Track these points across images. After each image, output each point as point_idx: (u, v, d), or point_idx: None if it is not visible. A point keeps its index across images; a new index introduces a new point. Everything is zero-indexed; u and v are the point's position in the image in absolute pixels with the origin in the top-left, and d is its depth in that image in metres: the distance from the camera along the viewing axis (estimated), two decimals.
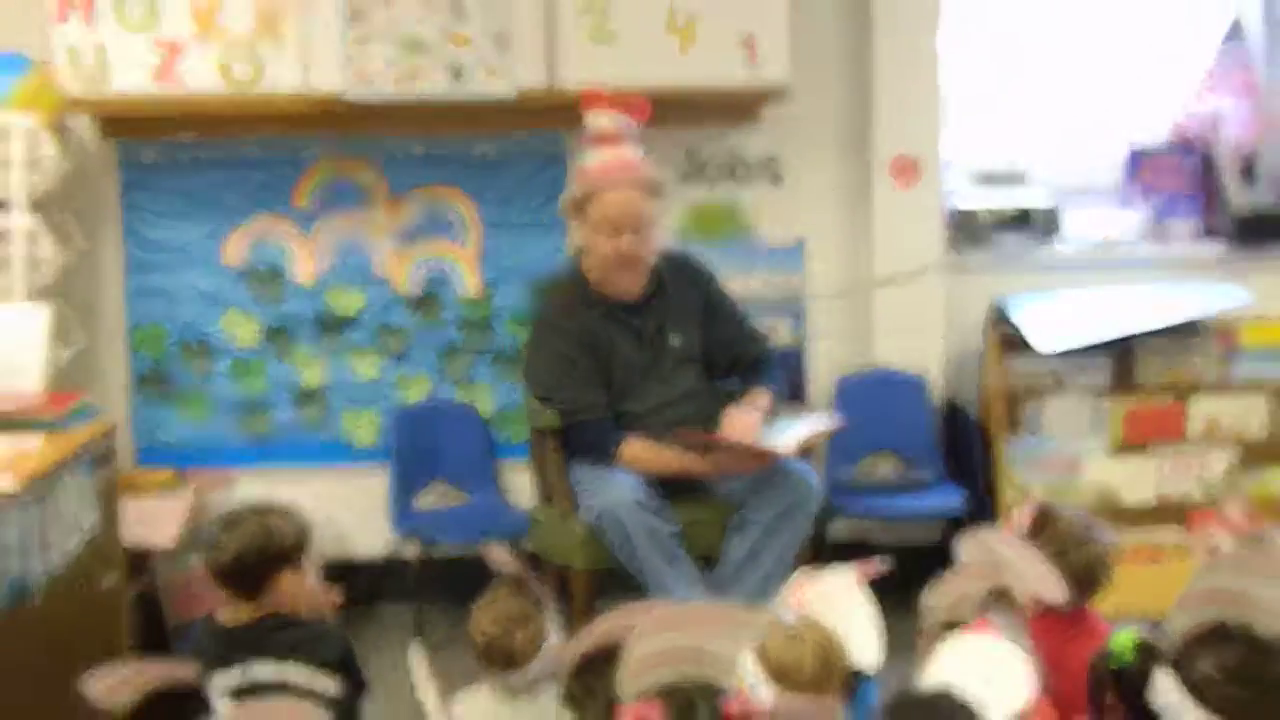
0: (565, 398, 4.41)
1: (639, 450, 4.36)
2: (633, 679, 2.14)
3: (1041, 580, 2.80)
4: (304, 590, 3.18)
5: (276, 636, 3.06)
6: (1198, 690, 2.17)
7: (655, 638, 2.15)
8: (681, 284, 4.57)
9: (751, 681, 2.45)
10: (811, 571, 2.95)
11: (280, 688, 2.93)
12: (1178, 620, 2.25)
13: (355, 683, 3.13)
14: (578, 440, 4.44)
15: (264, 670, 2.94)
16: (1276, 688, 2.15)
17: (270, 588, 3.11)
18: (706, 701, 2.12)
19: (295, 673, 2.97)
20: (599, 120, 4.46)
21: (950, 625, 2.60)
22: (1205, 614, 2.23)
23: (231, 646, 2.82)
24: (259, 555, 3.10)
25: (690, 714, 2.11)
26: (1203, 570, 2.26)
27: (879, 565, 2.97)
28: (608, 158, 4.40)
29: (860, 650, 2.70)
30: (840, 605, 2.78)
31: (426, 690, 2.14)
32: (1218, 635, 2.21)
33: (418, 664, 2.21)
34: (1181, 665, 2.21)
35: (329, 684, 2.99)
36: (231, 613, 3.12)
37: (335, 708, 2.88)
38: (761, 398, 4.51)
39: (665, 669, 2.16)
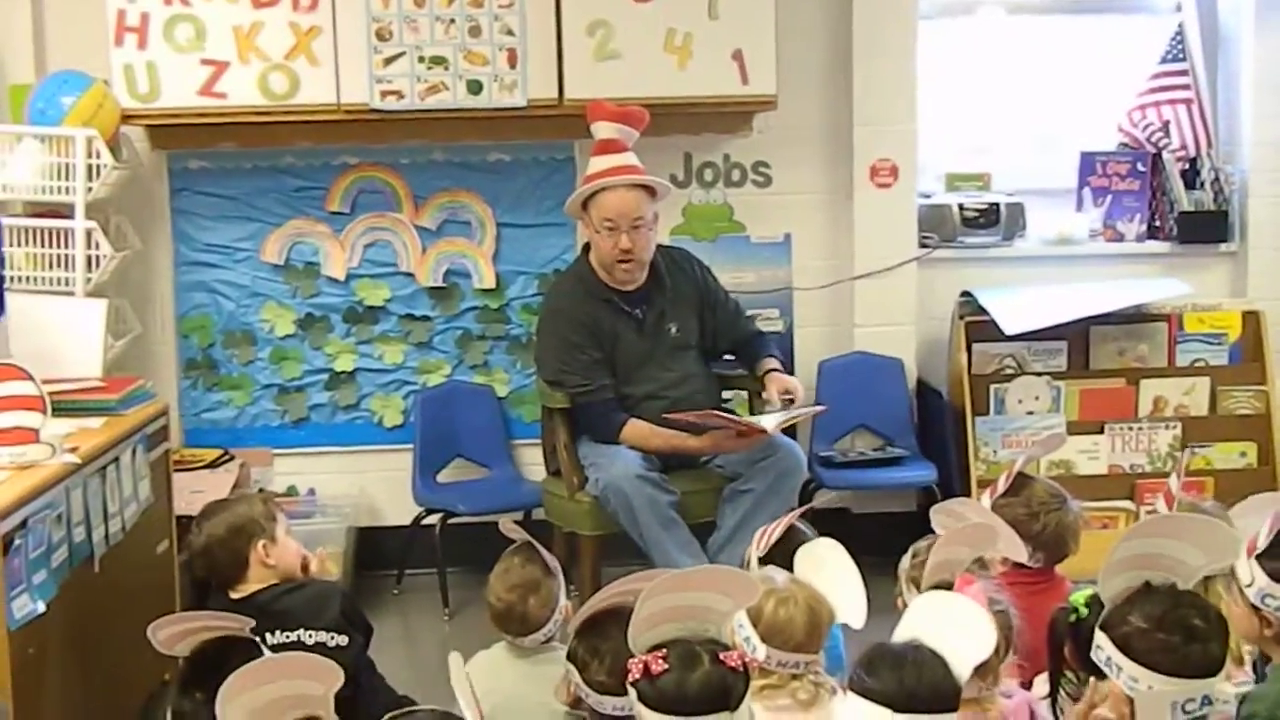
0: (574, 381, 4.45)
1: (640, 430, 4.40)
2: (641, 633, 2.16)
3: (1007, 542, 2.82)
4: (287, 556, 3.20)
5: (284, 601, 3.09)
6: (1128, 642, 2.18)
7: (662, 597, 2.17)
8: (679, 276, 4.60)
9: (746, 637, 2.47)
10: (769, 529, 2.96)
11: (296, 648, 2.95)
12: (1107, 585, 2.26)
13: (360, 630, 3.16)
14: (585, 420, 4.47)
15: (280, 637, 2.97)
16: (1199, 634, 2.16)
17: (252, 563, 3.13)
18: (708, 651, 2.14)
19: (306, 635, 3.00)
20: (603, 129, 4.49)
21: (937, 587, 2.61)
22: (1131, 578, 2.25)
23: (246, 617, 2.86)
24: (225, 541, 3.13)
25: (692, 663, 2.13)
26: (1121, 539, 2.27)
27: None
28: (610, 163, 4.44)
29: (847, 608, 2.72)
30: (827, 565, 2.79)
31: (468, 706, 2.14)
32: (1143, 593, 2.22)
33: (458, 677, 2.21)
34: (1112, 624, 2.22)
35: (339, 639, 3.02)
36: (243, 588, 3.14)
37: (345, 655, 2.90)
38: (775, 363, 4.60)
39: (671, 624, 2.18)
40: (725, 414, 4.36)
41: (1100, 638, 2.22)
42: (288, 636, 2.99)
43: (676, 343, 4.56)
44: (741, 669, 2.15)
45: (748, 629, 2.50)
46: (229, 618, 2.53)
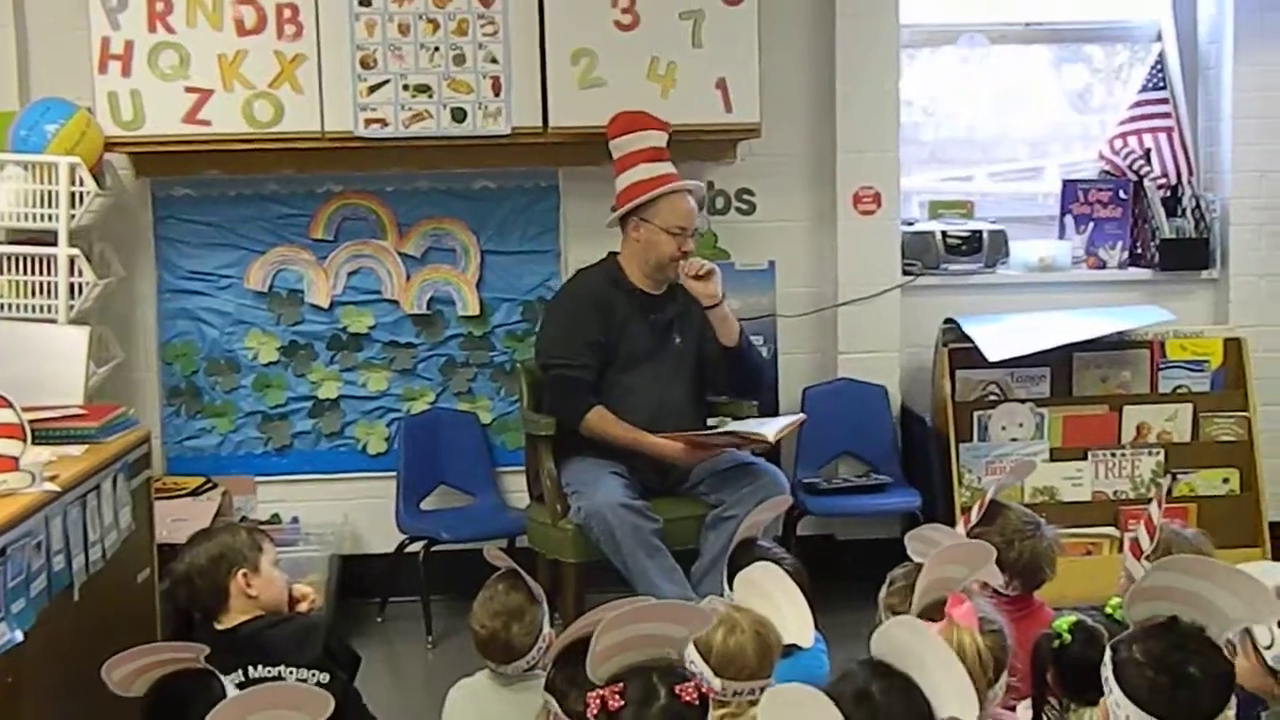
0: (556, 352, 4.48)
1: (605, 418, 4.40)
2: (600, 663, 2.16)
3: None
4: (271, 588, 3.18)
5: (268, 635, 3.07)
6: (1122, 669, 2.17)
7: (620, 628, 2.16)
8: (690, 296, 4.60)
9: (698, 672, 2.44)
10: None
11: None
12: (1135, 610, 2.25)
13: (344, 665, 3.13)
14: (554, 392, 4.49)
15: (261, 671, 2.95)
16: (1190, 682, 2.12)
17: (233, 593, 3.11)
18: (665, 683, 2.14)
19: (288, 672, 2.97)
20: (652, 138, 4.55)
21: (929, 608, 2.58)
22: (1158, 607, 2.23)
23: (228, 649, 2.83)
24: (205, 570, 3.13)
25: (649, 698, 2.12)
26: (1157, 565, 2.26)
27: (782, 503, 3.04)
28: (667, 169, 4.55)
29: (794, 628, 2.70)
30: (767, 588, 2.78)
31: None
32: (1163, 627, 2.19)
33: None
34: (1119, 645, 2.21)
35: (320, 676, 3.00)
36: (226, 619, 3.12)
37: (332, 690, 2.88)
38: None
39: (629, 653, 2.17)
40: (727, 431, 4.41)
41: (1107, 654, 2.21)
42: (269, 671, 2.98)
43: (676, 351, 4.60)
44: (698, 702, 2.15)
45: (699, 664, 2.49)
46: (183, 648, 2.49)
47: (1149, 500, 4.60)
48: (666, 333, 4.59)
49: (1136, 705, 2.12)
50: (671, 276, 4.54)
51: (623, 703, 2.12)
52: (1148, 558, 2.78)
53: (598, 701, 2.13)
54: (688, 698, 2.14)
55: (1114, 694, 2.16)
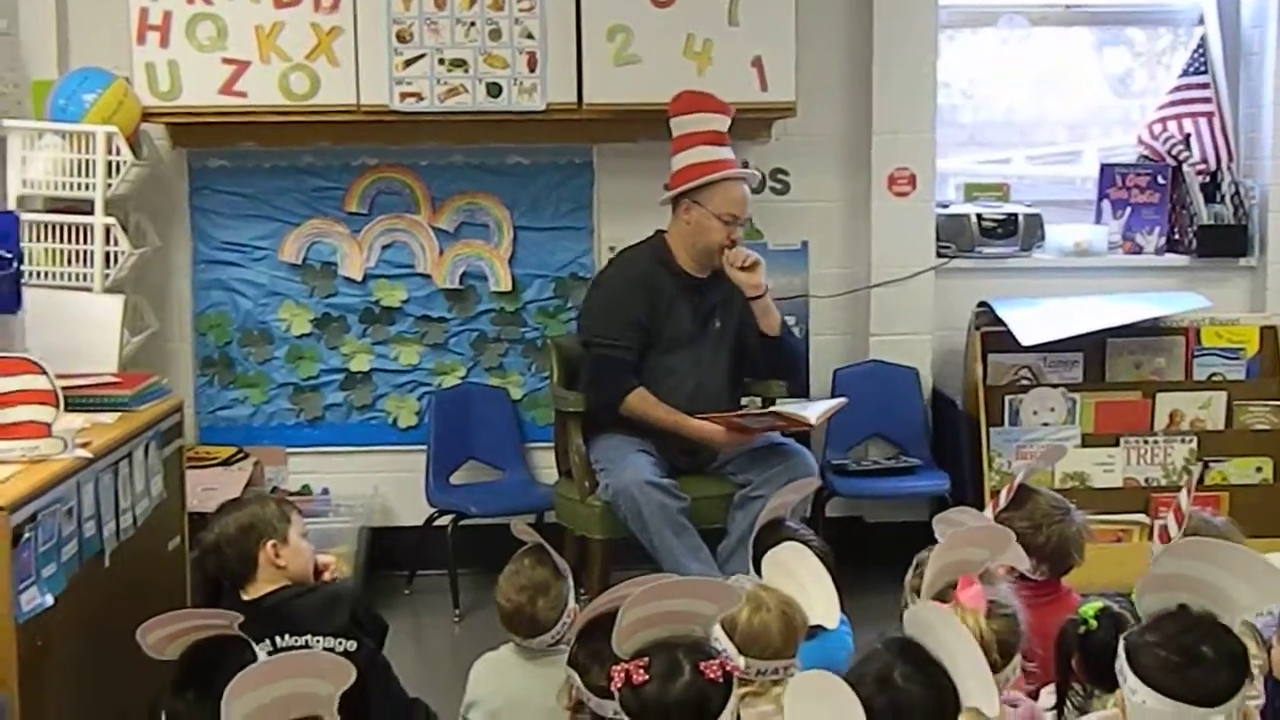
0: (600, 330, 4.50)
1: (647, 400, 4.40)
2: (626, 637, 2.16)
3: (1010, 551, 2.79)
4: (299, 558, 3.20)
5: (295, 604, 3.09)
6: (1135, 653, 2.16)
7: (646, 603, 2.17)
8: (733, 283, 4.59)
9: (723, 649, 2.45)
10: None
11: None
12: (1143, 599, 2.24)
13: (372, 631, 3.15)
14: (596, 371, 4.49)
15: (289, 641, 2.97)
16: (1203, 661, 2.13)
17: (261, 563, 3.13)
18: (690, 660, 2.14)
19: (315, 641, 2.99)
20: (715, 121, 4.53)
21: (942, 591, 2.58)
22: (1173, 598, 2.22)
23: (256, 620, 2.85)
24: (234, 539, 3.15)
25: (673, 673, 2.13)
26: (1165, 551, 2.25)
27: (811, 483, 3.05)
28: (725, 155, 4.55)
29: (818, 610, 2.70)
30: (794, 569, 2.77)
31: None
32: (1173, 614, 2.20)
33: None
34: (1132, 634, 2.21)
35: (347, 644, 3.01)
36: (253, 589, 3.14)
37: (353, 661, 2.91)
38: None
39: (655, 628, 2.17)
40: (770, 412, 4.42)
41: (1121, 644, 2.21)
42: (295, 641, 3.00)
43: (717, 335, 4.60)
44: (722, 679, 2.15)
45: (724, 641, 2.48)
46: (217, 614, 2.52)
47: (1180, 488, 4.60)
48: (709, 317, 4.59)
49: (1150, 686, 2.12)
50: (717, 263, 4.53)
51: (647, 677, 2.12)
52: None
53: (622, 675, 2.14)
54: (712, 675, 2.14)
55: (1128, 680, 2.16)
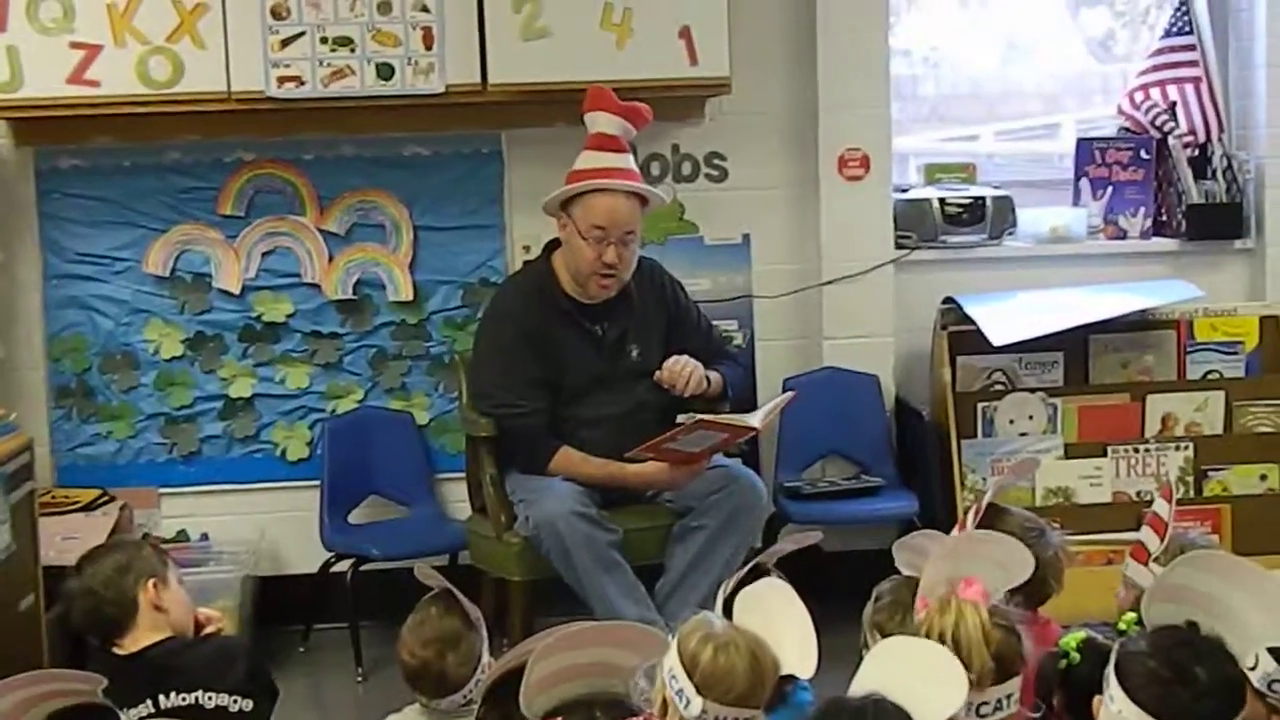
0: (504, 399, 4.45)
1: (571, 459, 4.40)
2: (534, 696, 2.16)
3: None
4: (179, 606, 3.18)
5: (184, 657, 3.06)
6: (1124, 663, 2.20)
7: (557, 655, 2.17)
8: (648, 295, 4.60)
9: (679, 690, 2.44)
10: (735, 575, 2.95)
11: (194, 713, 2.92)
12: (1153, 611, 2.27)
13: (266, 693, 3.13)
14: (511, 445, 4.47)
15: (175, 700, 2.94)
16: (1193, 683, 2.16)
17: (143, 606, 3.10)
18: (609, 717, 2.14)
19: (206, 698, 2.97)
20: (602, 122, 4.48)
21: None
22: (1180, 613, 2.25)
23: (136, 675, 2.82)
24: (111, 580, 3.11)
25: None
26: (1179, 561, 2.28)
27: (812, 536, 3.01)
28: (609, 162, 4.45)
29: (796, 657, 2.70)
30: (771, 610, 2.78)
31: None
32: (1176, 628, 2.24)
33: None
34: (1126, 644, 2.25)
35: (243, 703, 2.99)
36: (130, 641, 3.11)
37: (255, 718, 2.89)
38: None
39: (569, 684, 2.17)
40: (700, 421, 4.36)
41: (1114, 651, 2.25)
42: (184, 699, 2.98)
43: (635, 368, 4.56)
44: None
45: (681, 680, 2.48)
46: (80, 677, 2.48)
47: (1179, 502, 4.66)
48: (619, 348, 4.55)
49: (1129, 698, 2.14)
50: (593, 292, 4.48)
51: None
52: (1156, 561, 2.80)
53: None
54: None
55: (1110, 687, 2.19)
